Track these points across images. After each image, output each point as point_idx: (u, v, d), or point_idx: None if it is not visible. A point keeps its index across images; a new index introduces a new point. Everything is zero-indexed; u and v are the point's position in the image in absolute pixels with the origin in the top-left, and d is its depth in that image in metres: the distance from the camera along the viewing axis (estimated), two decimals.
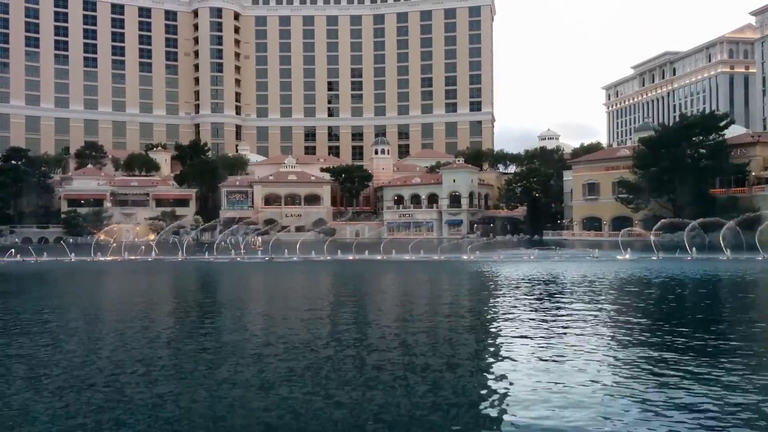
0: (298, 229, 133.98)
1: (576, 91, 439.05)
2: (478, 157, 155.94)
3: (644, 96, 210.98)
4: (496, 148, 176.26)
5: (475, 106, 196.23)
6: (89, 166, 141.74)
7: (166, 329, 18.68)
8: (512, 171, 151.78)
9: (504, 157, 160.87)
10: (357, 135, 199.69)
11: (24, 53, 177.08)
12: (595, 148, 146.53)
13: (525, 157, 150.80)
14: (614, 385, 11.52)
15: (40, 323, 20.04)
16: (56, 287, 36.28)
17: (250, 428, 9.22)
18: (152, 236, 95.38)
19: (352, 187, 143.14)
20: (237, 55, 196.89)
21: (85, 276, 42.88)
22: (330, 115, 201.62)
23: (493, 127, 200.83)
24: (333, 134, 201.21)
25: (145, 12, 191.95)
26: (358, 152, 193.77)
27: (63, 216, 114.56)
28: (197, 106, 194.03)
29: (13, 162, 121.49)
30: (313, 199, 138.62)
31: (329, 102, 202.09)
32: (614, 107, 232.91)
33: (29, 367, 13.48)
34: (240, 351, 14.80)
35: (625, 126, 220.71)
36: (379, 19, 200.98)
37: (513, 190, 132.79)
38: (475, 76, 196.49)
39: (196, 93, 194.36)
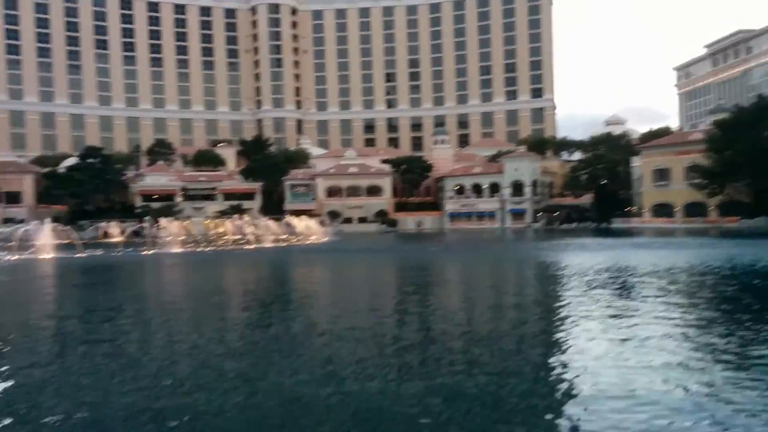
0: (361, 220, 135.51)
1: (644, 74, 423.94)
2: (541, 144, 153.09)
3: (717, 76, 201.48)
4: (560, 135, 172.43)
5: (536, 93, 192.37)
6: (159, 162, 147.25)
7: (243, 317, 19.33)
8: (577, 158, 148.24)
9: (568, 144, 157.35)
10: (416, 126, 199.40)
11: (94, 55, 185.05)
12: (664, 132, 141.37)
13: (590, 143, 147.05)
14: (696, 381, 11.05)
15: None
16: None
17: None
18: (221, 229, 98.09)
19: (413, 178, 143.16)
20: (295, 50, 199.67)
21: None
22: (389, 106, 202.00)
23: (555, 113, 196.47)
24: (392, 126, 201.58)
25: (205, 11, 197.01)
26: (417, 143, 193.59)
27: (137, 210, 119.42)
28: (259, 102, 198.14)
29: (90, 160, 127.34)
30: (374, 191, 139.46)
31: (387, 94, 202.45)
32: (686, 89, 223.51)
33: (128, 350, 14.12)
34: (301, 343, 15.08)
35: (698, 108, 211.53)
36: (435, 8, 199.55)
37: (578, 178, 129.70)
38: (536, 62, 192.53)
39: (258, 89, 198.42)
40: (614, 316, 17.14)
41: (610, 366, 11.76)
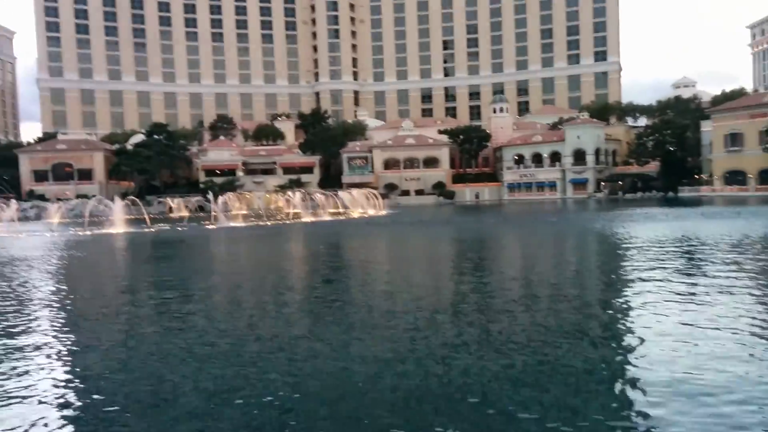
0: (418, 192, 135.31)
1: (716, 34, 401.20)
2: (605, 110, 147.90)
3: None
4: (625, 100, 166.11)
5: (600, 56, 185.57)
6: (221, 137, 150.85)
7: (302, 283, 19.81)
8: (643, 124, 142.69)
9: (633, 110, 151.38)
10: (474, 94, 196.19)
11: (159, 33, 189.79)
12: (737, 94, 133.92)
13: (657, 108, 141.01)
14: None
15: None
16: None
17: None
18: (281, 202, 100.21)
19: (471, 149, 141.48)
20: (352, 20, 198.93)
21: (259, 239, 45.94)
22: (446, 75, 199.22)
23: (621, 77, 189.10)
24: (449, 95, 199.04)
25: None
26: (475, 112, 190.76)
27: (201, 185, 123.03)
28: (317, 74, 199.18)
29: (156, 137, 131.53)
30: (431, 162, 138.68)
31: (445, 62, 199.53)
32: (760, 48, 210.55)
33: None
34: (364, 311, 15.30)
35: None
36: None
37: (644, 145, 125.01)
38: (600, 24, 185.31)
39: (315, 61, 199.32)
40: (681, 293, 16.62)
41: (675, 344, 11.51)
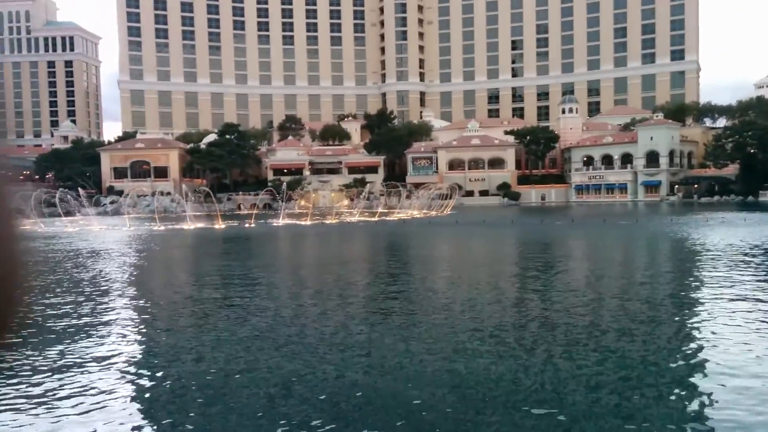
0: (482, 193, 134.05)
1: None
2: (680, 111, 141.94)
3: None
4: (703, 100, 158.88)
5: (677, 55, 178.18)
6: (290, 137, 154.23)
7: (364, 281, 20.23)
8: (722, 125, 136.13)
9: (711, 110, 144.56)
10: (542, 95, 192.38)
11: (233, 36, 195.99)
12: None
13: (738, 108, 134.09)
14: None
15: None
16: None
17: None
18: (346, 202, 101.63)
19: (538, 150, 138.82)
20: (420, 21, 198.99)
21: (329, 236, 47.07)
22: (514, 75, 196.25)
23: (699, 77, 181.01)
24: (517, 95, 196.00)
25: None
26: (543, 113, 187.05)
27: (269, 184, 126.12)
28: (383, 76, 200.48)
29: (228, 136, 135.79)
30: (496, 163, 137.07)
31: (513, 62, 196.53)
32: None
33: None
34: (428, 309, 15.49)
35: None
36: None
37: (722, 147, 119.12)
38: (678, 21, 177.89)
39: (383, 63, 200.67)
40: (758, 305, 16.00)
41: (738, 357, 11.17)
